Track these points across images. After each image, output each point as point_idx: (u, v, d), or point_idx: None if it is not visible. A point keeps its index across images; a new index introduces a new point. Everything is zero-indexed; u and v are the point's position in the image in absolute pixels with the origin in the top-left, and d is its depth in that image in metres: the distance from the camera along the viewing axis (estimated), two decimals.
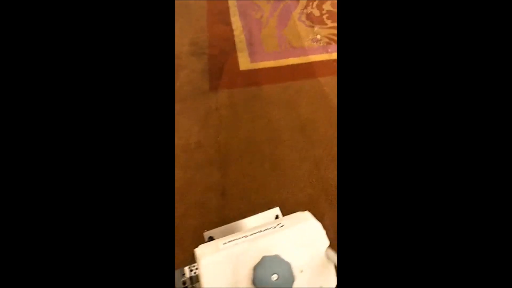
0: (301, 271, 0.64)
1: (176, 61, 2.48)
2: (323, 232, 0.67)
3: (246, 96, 2.17)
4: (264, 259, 0.61)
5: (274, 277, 0.60)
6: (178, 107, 2.12)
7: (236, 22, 2.84)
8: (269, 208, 1.15)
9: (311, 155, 1.78)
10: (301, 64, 2.37)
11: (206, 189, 1.68)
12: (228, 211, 1.60)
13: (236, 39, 2.66)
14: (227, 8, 3.05)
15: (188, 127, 1.99)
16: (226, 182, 1.70)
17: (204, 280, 0.61)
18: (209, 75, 2.35)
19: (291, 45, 2.54)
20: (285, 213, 1.57)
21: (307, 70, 2.31)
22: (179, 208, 1.62)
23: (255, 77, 2.31)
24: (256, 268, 0.60)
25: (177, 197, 1.66)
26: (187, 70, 2.39)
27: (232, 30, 2.76)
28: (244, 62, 2.44)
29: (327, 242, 0.66)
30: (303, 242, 0.66)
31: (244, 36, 2.68)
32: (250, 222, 1.09)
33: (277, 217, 1.11)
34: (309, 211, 1.60)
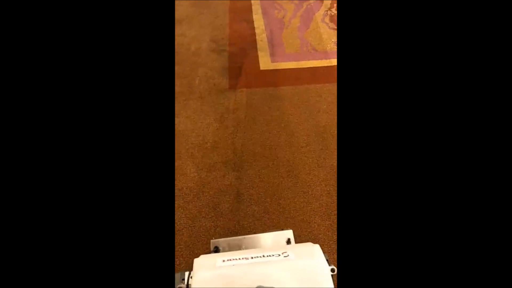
0: None
1: (195, 58, 2.42)
2: (328, 275, 0.61)
3: (265, 97, 2.10)
4: None
5: None
6: (196, 104, 2.06)
7: (258, 21, 2.76)
8: (282, 229, 1.08)
9: (328, 163, 1.70)
10: (323, 67, 2.29)
11: (220, 191, 1.62)
12: (241, 215, 1.54)
13: (258, 38, 2.58)
14: (249, 6, 2.97)
15: (205, 126, 1.93)
16: (240, 185, 1.64)
17: None
18: (229, 73, 2.29)
19: (313, 47, 2.46)
20: (299, 219, 1.51)
21: (329, 74, 2.23)
22: (192, 209, 1.56)
23: (275, 78, 2.24)
24: None
25: (190, 197, 1.61)
26: (206, 68, 2.33)
27: (253, 28, 2.69)
28: (265, 62, 2.37)
29: (331, 286, 0.60)
30: (304, 280, 0.60)
31: (266, 35, 2.61)
32: (259, 239, 1.04)
33: (288, 240, 1.03)
34: (325, 222, 1.52)
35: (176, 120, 1.97)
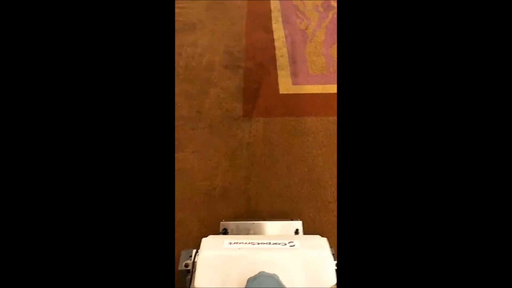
0: None
1: (207, 74, 2.05)
2: (333, 269, 0.61)
3: (285, 129, 1.73)
4: (260, 275, 0.55)
5: None
6: (205, 135, 1.71)
7: (278, 31, 2.36)
8: (292, 219, 1.07)
9: None
10: None
11: None
12: None
13: (277, 53, 2.19)
14: (269, 11, 2.56)
15: (214, 165, 1.58)
16: None
17: (198, 272, 0.61)
18: (243, 96, 1.92)
19: None
20: None
21: None
22: None
23: (297, 105, 1.86)
24: (249, 280, 0.55)
25: None
26: (218, 88, 1.96)
27: (272, 40, 2.30)
28: (285, 84, 1.99)
29: (334, 280, 0.59)
30: (308, 271, 0.60)
31: (287, 50, 2.22)
32: (269, 227, 1.02)
33: (297, 231, 1.01)
34: None
35: (181, 155, 1.62)
